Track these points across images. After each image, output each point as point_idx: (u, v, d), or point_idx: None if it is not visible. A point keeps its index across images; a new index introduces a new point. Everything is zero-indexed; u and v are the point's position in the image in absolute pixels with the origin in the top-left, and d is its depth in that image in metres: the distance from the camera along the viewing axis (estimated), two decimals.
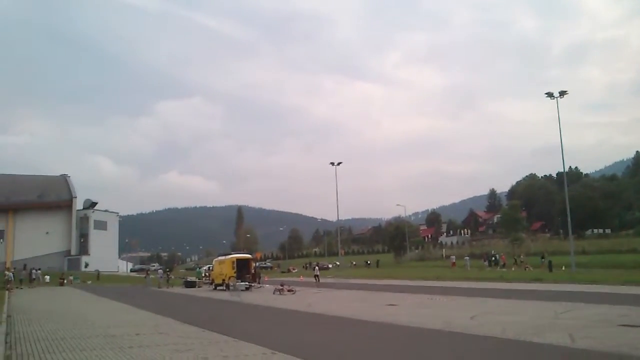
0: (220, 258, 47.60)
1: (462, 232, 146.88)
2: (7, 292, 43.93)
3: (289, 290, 35.16)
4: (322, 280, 54.34)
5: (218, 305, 28.59)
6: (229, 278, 41.66)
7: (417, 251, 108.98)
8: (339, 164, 72.74)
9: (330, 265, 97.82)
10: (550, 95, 52.10)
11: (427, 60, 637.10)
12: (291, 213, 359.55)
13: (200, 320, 19.07)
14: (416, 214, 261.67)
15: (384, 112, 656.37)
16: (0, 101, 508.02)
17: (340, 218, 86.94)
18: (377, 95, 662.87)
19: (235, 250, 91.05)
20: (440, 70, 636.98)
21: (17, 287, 51.67)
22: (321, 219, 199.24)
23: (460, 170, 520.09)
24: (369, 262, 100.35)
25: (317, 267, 59.26)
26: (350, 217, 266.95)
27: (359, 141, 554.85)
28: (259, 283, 39.02)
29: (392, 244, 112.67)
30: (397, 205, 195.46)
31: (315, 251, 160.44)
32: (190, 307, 28.15)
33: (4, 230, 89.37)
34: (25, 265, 69.84)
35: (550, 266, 52.74)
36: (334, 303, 26.69)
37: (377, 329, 16.21)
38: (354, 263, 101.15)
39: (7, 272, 56.03)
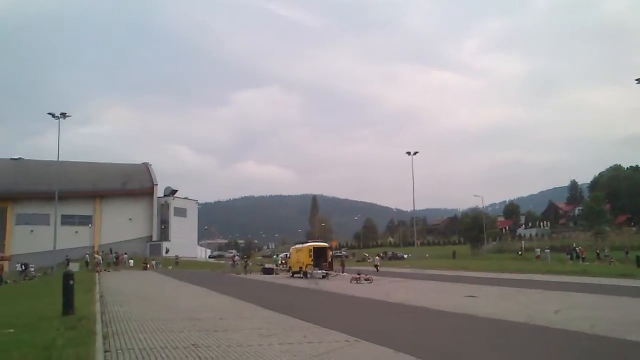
0: (297, 246, 48.23)
1: (542, 224, 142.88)
2: (96, 274, 46.11)
3: (366, 279, 35.21)
4: (398, 270, 54.37)
5: (297, 292, 28.95)
6: (306, 266, 42.16)
7: (494, 243, 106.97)
8: (415, 153, 71.85)
9: (405, 256, 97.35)
10: None
11: (506, 46, 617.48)
12: (365, 202, 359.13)
13: (281, 306, 19.36)
14: (493, 205, 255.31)
15: (461, 100, 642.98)
16: (87, 93, 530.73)
17: (415, 208, 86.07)
18: (454, 83, 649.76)
19: (311, 238, 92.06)
20: (519, 57, 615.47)
21: (105, 270, 54.15)
22: (396, 209, 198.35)
23: (540, 160, 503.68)
24: (427, 255, 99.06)
25: (377, 257, 59.61)
26: (425, 208, 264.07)
27: (435, 130, 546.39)
28: (342, 272, 38.84)
29: (468, 235, 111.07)
30: (475, 196, 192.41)
31: (390, 241, 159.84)
32: (270, 293, 28.63)
33: (91, 216, 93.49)
34: (111, 249, 72.90)
35: (638, 261, 50.60)
36: (412, 293, 26.56)
37: (457, 319, 16.07)
38: (427, 255, 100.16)
39: (96, 256, 59.10)
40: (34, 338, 10.77)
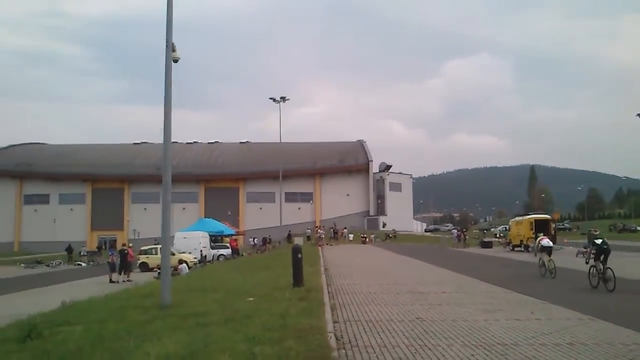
0: (517, 218, 46.62)
1: None
2: (319, 248, 48.60)
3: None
4: (631, 244, 50.37)
5: (518, 266, 27.98)
6: (527, 239, 40.53)
7: None
8: None
9: (638, 228, 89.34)
10: None
11: None
12: (588, 171, 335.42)
13: (502, 281, 18.89)
14: None
15: None
16: (305, 78, 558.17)
17: None
18: None
19: (530, 210, 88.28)
20: None
21: (327, 244, 57.00)
22: (624, 177, 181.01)
23: None
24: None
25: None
26: None
27: None
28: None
29: None
30: None
31: (619, 212, 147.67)
32: (490, 267, 27.96)
33: (312, 193, 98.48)
34: (334, 224, 76.48)
35: None
36: None
37: None
38: None
39: (319, 230, 62.54)
40: (270, 307, 11.63)
